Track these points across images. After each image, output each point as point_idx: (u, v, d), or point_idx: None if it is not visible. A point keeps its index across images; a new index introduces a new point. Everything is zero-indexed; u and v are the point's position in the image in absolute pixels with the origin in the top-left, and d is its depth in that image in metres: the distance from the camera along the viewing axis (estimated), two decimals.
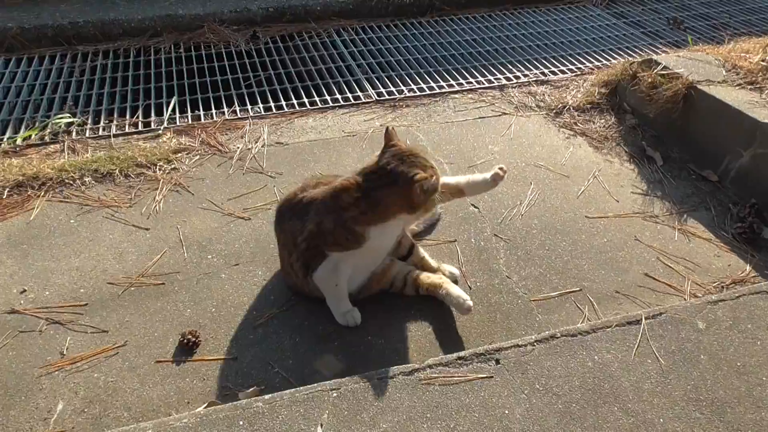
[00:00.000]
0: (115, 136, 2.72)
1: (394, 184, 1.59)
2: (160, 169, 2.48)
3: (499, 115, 2.92)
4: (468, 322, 1.83)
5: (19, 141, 2.66)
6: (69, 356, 1.71)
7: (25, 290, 1.92)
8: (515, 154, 2.64)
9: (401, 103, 3.02)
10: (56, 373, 1.67)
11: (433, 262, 1.93)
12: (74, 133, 2.73)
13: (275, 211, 1.89)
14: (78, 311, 1.85)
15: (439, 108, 2.99)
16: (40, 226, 2.18)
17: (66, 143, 2.63)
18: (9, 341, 1.75)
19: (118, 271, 2.00)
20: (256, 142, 2.67)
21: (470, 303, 1.78)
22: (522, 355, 1.57)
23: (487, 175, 1.89)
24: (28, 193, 2.32)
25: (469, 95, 3.09)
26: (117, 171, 2.44)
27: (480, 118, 2.90)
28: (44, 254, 2.06)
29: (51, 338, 1.77)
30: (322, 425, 1.38)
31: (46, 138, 2.68)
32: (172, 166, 2.51)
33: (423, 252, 1.93)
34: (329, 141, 2.70)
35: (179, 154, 2.57)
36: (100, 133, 2.75)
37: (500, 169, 1.87)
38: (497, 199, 2.35)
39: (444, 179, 1.87)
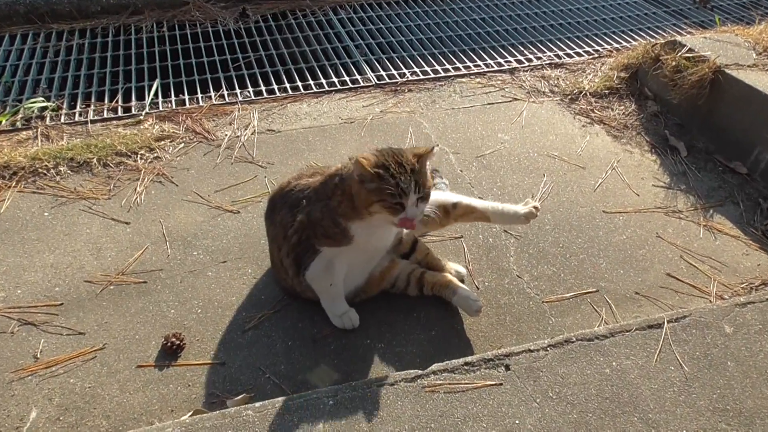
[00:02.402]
0: (92, 122, 2.71)
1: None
2: (141, 158, 2.47)
3: (510, 101, 2.92)
4: (475, 325, 1.83)
5: None
6: (43, 360, 1.71)
7: None
8: (527, 143, 2.63)
9: (403, 88, 3.01)
10: (29, 378, 1.66)
11: (439, 259, 1.93)
12: (48, 119, 2.72)
13: (267, 201, 1.88)
14: (53, 311, 1.85)
15: (444, 93, 2.98)
16: (12, 219, 2.18)
17: (39, 129, 2.62)
18: None
19: (96, 268, 2.00)
20: (246, 129, 2.66)
21: (480, 304, 1.78)
22: (534, 361, 1.56)
23: (520, 209, 1.82)
24: None
25: (477, 79, 3.08)
26: (95, 160, 2.43)
27: (489, 104, 2.89)
28: (16, 250, 2.06)
29: (23, 340, 1.76)
30: None
31: (18, 124, 2.67)
32: (155, 154, 2.50)
33: (428, 248, 1.92)
34: (325, 128, 2.69)
35: (162, 142, 2.56)
36: (77, 118, 2.74)
37: (534, 207, 1.83)
38: (507, 192, 2.35)
39: (468, 200, 1.84)
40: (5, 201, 2.24)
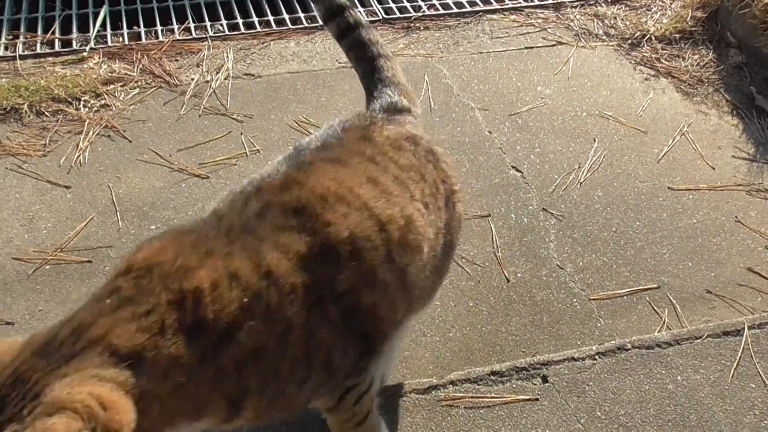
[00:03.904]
0: (21, 57, 2.69)
1: None
2: (85, 106, 2.46)
3: (553, 45, 2.90)
4: (504, 325, 1.84)
5: None
6: None
7: None
8: (573, 99, 2.62)
9: (418, 24, 2.99)
10: None
11: None
12: None
13: None
14: None
15: (469, 33, 2.96)
16: None
17: None
18: None
19: (27, 242, 2.00)
20: (218, 73, 2.65)
21: None
22: (578, 372, 1.57)
23: None
24: None
25: (513, 16, 3.06)
26: (25, 106, 2.42)
27: (526, 48, 2.88)
28: None
29: None
30: None
31: None
32: (102, 101, 2.49)
33: None
34: (318, 74, 2.68)
35: (111, 86, 2.55)
36: (1, 53, 2.72)
37: None
38: (547, 159, 2.34)
39: None
40: None
